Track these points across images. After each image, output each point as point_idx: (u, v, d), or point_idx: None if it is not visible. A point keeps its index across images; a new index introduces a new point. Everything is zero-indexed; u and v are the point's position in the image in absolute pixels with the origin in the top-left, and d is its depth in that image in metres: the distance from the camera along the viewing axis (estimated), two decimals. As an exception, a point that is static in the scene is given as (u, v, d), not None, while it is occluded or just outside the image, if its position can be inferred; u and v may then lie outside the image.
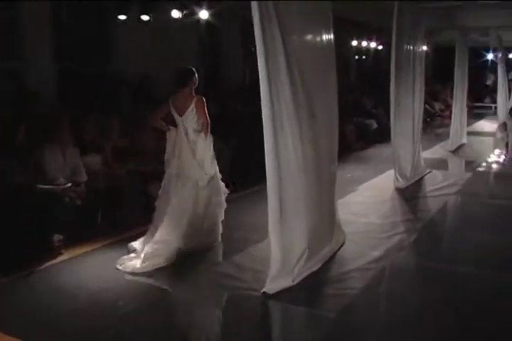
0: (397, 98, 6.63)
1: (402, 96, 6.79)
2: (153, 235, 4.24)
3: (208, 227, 4.50)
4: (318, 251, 4.06)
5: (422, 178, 7.41)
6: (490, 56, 17.51)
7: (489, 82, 15.72)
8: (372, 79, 14.61)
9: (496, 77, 18.28)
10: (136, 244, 4.36)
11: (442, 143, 10.41)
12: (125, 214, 5.04)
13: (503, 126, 13.83)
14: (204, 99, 4.37)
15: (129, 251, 4.34)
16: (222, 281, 3.85)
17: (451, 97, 10.55)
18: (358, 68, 14.65)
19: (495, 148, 10.63)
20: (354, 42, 12.61)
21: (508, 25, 11.16)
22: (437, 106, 15.60)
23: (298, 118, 3.65)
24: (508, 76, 16.78)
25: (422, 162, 7.70)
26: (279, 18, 3.44)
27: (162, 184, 4.42)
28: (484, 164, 8.68)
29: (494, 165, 8.83)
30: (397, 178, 6.87)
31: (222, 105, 7.66)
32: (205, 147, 4.40)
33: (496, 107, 15.43)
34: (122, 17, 7.28)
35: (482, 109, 18.39)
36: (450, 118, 10.26)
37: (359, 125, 10.45)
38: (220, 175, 4.59)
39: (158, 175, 4.53)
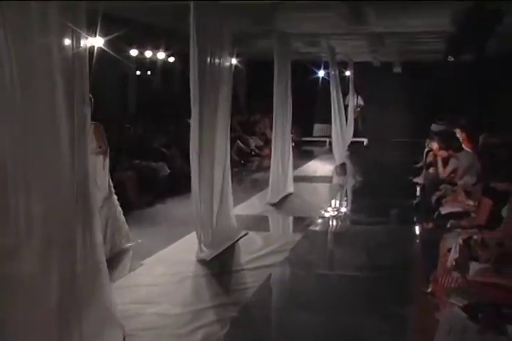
0: (199, 132, 7.11)
1: (206, 129, 7.30)
2: None
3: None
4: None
5: (235, 244, 7.95)
6: (321, 73, 19.79)
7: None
8: (164, 104, 15.21)
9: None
10: None
11: (261, 194, 11.30)
12: None
13: (341, 169, 15.62)
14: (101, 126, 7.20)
15: None
16: None
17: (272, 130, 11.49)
18: (141, 88, 15.08)
19: (332, 198, 11.87)
20: (134, 52, 12.90)
21: (342, 33, 12.82)
22: (253, 142, 17.00)
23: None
24: (344, 101, 19.11)
25: (235, 221, 8.29)
26: (4, 17, 3.59)
27: None
28: (319, 221, 9.66)
29: (332, 222, 9.86)
30: (200, 246, 7.26)
31: None
32: (101, 168, 7.14)
33: (330, 143, 17.29)
34: None
35: (313, 144, 20.60)
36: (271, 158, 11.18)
37: (143, 171, 10.77)
38: (117, 202, 7.40)
39: None
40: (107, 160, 7.39)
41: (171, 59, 14.34)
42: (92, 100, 7.18)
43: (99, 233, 4.66)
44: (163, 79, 15.99)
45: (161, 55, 13.61)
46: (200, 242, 7.25)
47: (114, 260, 7.01)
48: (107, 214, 7.32)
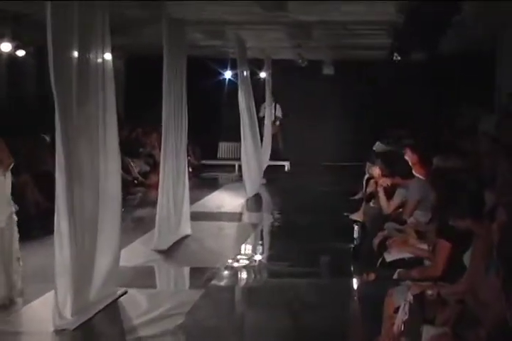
0: (67, 153, 6.99)
1: (77, 148, 7.21)
2: None
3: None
4: None
5: (110, 307, 7.83)
6: (227, 74, 19.91)
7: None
8: (9, 114, 14.94)
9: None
10: None
11: (146, 237, 11.27)
12: None
13: (255, 202, 15.77)
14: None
15: None
16: None
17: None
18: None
19: (242, 241, 11.98)
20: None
21: (256, 21, 12.95)
22: (137, 167, 16.95)
23: None
24: (258, 112, 19.19)
25: (113, 275, 8.14)
26: None
27: None
28: (225, 273, 9.74)
29: (242, 275, 9.92)
30: (58, 312, 7.08)
31: None
32: (2, 186, 7.80)
33: (240, 167, 17.44)
34: None
35: (218, 170, 20.69)
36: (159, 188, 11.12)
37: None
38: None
39: None
40: (9, 177, 7.89)
41: (21, 52, 14.18)
42: None
43: None
44: (9, 79, 15.74)
45: (6, 47, 13.41)
46: (58, 305, 7.08)
47: None
48: (10, 237, 7.89)
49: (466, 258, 5.71)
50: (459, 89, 18.53)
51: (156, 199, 11.04)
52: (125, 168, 16.02)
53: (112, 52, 8.18)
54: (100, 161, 7.69)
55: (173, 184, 11.12)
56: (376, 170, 10.56)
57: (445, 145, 12.21)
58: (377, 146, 15.13)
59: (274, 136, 20.88)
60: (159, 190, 10.93)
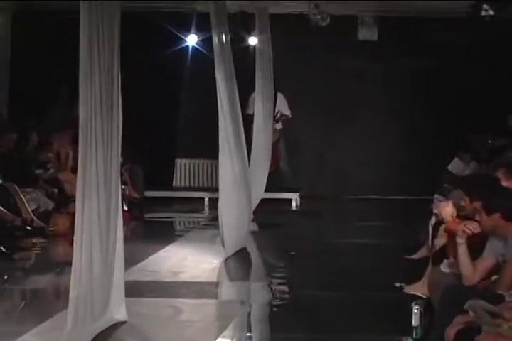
0: None
1: None
2: None
3: None
4: None
5: None
6: (191, 39, 20.04)
7: None
8: None
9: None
10: None
11: (48, 325, 11.31)
12: None
13: (239, 264, 15.78)
14: None
15: None
16: None
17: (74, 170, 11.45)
18: None
19: (217, 333, 11.98)
20: None
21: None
22: (32, 203, 17.07)
23: None
24: (247, 106, 19.35)
25: None
26: None
27: None
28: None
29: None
30: None
31: None
32: None
33: (213, 202, 17.52)
34: None
35: (174, 208, 21.19)
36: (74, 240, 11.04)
37: None
38: None
39: None
40: None
41: None
42: None
43: None
44: None
45: None
46: None
47: None
48: None
49: None
50: None
51: (66, 260, 11.05)
52: (11, 205, 16.16)
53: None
54: None
55: (99, 234, 11.06)
56: (447, 209, 10.42)
57: None
58: (457, 164, 15.12)
59: (273, 149, 20.91)
60: (75, 243, 10.68)
